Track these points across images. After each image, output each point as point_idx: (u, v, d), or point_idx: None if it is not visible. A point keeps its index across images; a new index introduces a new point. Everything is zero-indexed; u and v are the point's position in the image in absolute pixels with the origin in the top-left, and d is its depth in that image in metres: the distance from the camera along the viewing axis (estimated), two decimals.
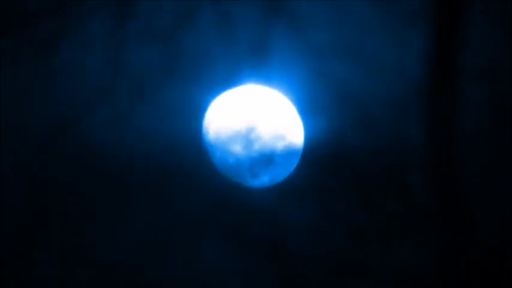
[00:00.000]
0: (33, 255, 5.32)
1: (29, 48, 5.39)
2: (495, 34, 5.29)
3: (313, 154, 5.33)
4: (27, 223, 5.32)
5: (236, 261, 5.36)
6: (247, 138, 5.13)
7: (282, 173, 5.26)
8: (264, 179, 5.24)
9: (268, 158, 5.17)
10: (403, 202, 5.33)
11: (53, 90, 5.40)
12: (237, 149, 5.14)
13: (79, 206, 5.36)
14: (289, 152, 5.22)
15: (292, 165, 5.27)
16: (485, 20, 5.29)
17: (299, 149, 5.27)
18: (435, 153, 5.33)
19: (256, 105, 5.18)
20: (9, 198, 5.33)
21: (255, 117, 5.15)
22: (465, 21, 5.30)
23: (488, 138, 5.30)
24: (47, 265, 5.33)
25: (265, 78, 5.30)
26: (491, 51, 5.30)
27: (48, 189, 5.34)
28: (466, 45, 5.31)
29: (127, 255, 5.34)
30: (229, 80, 5.31)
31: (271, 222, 5.36)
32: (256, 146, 5.14)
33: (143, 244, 5.34)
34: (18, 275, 5.32)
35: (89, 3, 5.40)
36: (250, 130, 5.14)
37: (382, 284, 5.32)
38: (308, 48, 5.35)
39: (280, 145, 5.18)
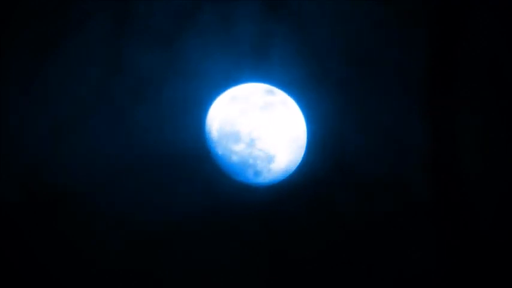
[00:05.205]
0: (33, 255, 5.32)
1: (29, 48, 5.38)
2: (496, 34, 5.32)
3: (314, 153, 5.33)
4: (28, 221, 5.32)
5: (236, 261, 5.35)
6: (249, 137, 5.14)
7: (283, 171, 5.26)
8: (265, 178, 5.24)
9: (270, 157, 5.18)
10: (403, 202, 5.34)
11: (53, 90, 5.40)
12: (239, 147, 5.15)
13: (79, 206, 5.35)
14: (290, 151, 5.23)
15: (294, 164, 5.28)
16: (486, 19, 5.32)
17: (301, 148, 5.27)
18: (435, 153, 5.35)
19: (258, 104, 5.19)
20: (10, 198, 5.32)
21: (257, 116, 5.16)
22: (466, 20, 5.32)
23: (489, 137, 5.32)
24: (47, 265, 5.32)
25: (266, 77, 5.31)
26: (491, 51, 5.32)
27: (48, 189, 5.33)
28: (467, 45, 5.33)
29: (127, 254, 5.33)
30: (230, 79, 5.31)
31: (272, 221, 5.36)
32: (258, 145, 5.15)
33: (143, 243, 5.33)
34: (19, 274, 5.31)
35: (89, 3, 5.40)
36: (252, 129, 5.14)
37: (382, 284, 5.33)
38: (308, 47, 5.36)
39: (282, 144, 5.19)
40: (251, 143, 5.14)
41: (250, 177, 5.22)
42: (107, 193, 5.34)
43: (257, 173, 5.21)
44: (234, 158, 5.17)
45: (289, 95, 5.29)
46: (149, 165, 5.34)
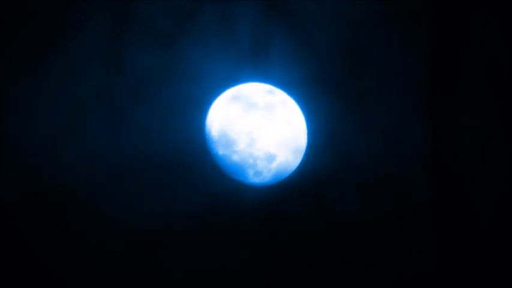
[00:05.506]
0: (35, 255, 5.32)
1: (29, 48, 5.38)
2: (496, 34, 5.32)
3: (314, 153, 5.33)
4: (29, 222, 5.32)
5: (236, 261, 5.35)
6: (249, 137, 5.14)
7: (283, 171, 5.26)
8: (265, 178, 5.24)
9: (270, 157, 5.17)
10: (403, 202, 5.34)
11: (53, 90, 5.40)
12: (239, 147, 5.15)
13: (79, 206, 5.34)
14: (291, 151, 5.23)
15: (294, 163, 5.28)
16: (486, 19, 5.31)
17: (301, 148, 5.27)
18: (435, 153, 5.34)
19: (258, 104, 5.19)
20: (10, 198, 5.32)
21: (257, 116, 5.16)
22: (466, 20, 5.32)
23: (489, 137, 5.32)
24: (47, 265, 5.32)
25: (266, 77, 5.31)
26: (491, 51, 5.32)
27: (48, 189, 5.33)
28: (467, 45, 5.33)
29: (127, 254, 5.33)
30: (230, 79, 5.31)
31: (272, 221, 5.36)
32: (258, 145, 5.15)
33: (143, 243, 5.33)
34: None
35: (89, 3, 5.40)
36: (252, 129, 5.14)
37: (382, 284, 5.32)
38: (308, 47, 5.36)
39: (282, 144, 5.18)
40: (251, 143, 5.14)
41: (250, 177, 5.22)
42: (107, 193, 5.34)
43: (257, 173, 5.21)
44: (234, 158, 5.17)
45: (289, 95, 5.29)
46: (149, 165, 5.34)
